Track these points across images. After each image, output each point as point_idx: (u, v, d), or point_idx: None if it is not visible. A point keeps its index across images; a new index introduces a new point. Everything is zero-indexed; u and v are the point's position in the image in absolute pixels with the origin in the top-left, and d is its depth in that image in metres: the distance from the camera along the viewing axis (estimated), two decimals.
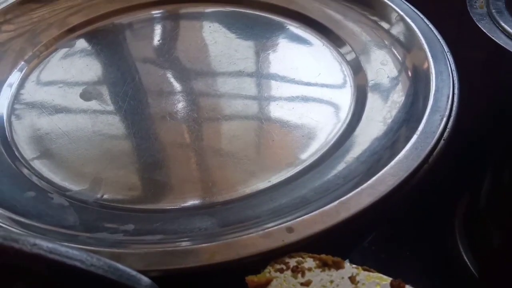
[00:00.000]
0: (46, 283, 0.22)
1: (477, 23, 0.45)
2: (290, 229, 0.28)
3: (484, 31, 0.44)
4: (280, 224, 0.29)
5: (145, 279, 0.25)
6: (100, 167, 0.37)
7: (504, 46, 0.42)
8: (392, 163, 0.32)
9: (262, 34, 0.49)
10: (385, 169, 0.32)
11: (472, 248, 0.54)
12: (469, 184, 0.57)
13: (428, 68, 0.40)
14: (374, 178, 0.31)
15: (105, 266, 0.23)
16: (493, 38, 0.43)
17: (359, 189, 0.31)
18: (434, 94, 0.38)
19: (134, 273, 0.24)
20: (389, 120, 0.38)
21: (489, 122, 0.52)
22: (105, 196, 0.35)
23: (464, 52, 0.54)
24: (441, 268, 0.56)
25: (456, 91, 0.40)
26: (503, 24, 0.44)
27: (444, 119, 0.36)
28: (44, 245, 0.21)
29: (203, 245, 0.28)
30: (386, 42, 0.45)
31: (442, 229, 0.59)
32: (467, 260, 0.54)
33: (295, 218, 0.29)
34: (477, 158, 0.54)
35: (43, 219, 0.33)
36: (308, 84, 0.44)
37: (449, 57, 0.41)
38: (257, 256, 0.28)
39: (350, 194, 0.30)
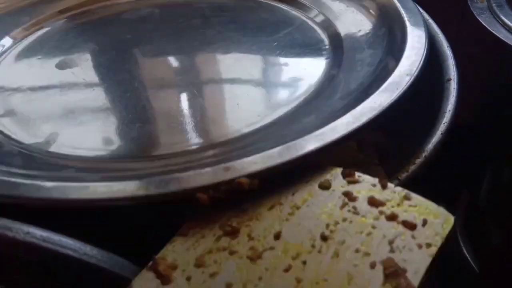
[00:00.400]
0: (40, 274, 0.22)
1: (477, 17, 0.44)
2: (227, 168, 0.28)
3: (485, 25, 0.44)
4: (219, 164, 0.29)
5: (140, 269, 0.25)
6: (60, 125, 0.38)
7: (505, 40, 0.42)
8: (347, 115, 0.32)
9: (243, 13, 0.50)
10: (337, 120, 0.32)
11: (473, 245, 0.54)
12: (469, 182, 0.57)
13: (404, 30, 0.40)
14: (324, 128, 0.31)
15: (99, 256, 0.23)
16: (493, 32, 0.43)
17: (307, 136, 0.31)
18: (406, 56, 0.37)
19: (127, 263, 0.24)
20: (357, 82, 0.38)
21: (489, 118, 0.52)
22: (57, 150, 0.35)
23: (465, 46, 0.54)
24: (441, 263, 0.56)
25: (455, 86, 0.40)
26: (503, 18, 0.44)
27: (411, 79, 0.35)
28: (38, 233, 0.21)
29: (133, 181, 0.28)
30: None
31: None
32: (467, 255, 0.53)
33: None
34: (478, 155, 0.54)
35: None
36: (285, 51, 0.44)
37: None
38: (188, 191, 0.28)
39: (297, 140, 0.30)
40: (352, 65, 0.41)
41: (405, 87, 0.35)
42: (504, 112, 0.48)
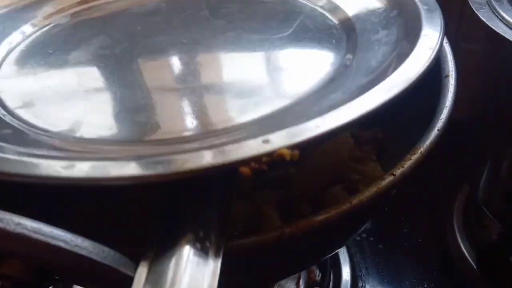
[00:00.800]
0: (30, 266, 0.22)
1: (476, 12, 0.44)
2: (266, 141, 0.28)
3: (483, 20, 0.43)
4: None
5: (130, 262, 0.25)
6: (82, 112, 0.38)
7: (503, 35, 0.42)
8: (378, 86, 0.32)
9: None
10: (364, 94, 0.31)
11: (471, 240, 0.54)
12: (469, 177, 0.57)
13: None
14: (352, 102, 0.31)
15: (90, 247, 0.23)
16: (492, 27, 0.43)
17: (337, 110, 0.30)
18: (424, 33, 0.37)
19: (119, 255, 0.24)
20: (377, 60, 0.38)
21: (488, 113, 0.52)
22: (84, 136, 0.35)
23: (465, 41, 0.54)
24: (439, 259, 0.56)
25: (453, 82, 0.40)
26: (502, 13, 0.44)
27: (434, 52, 0.35)
28: (28, 224, 0.21)
29: (175, 156, 0.28)
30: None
31: (441, 220, 0.59)
32: (465, 251, 0.54)
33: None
34: (477, 149, 0.54)
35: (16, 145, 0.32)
36: (298, 37, 0.44)
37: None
38: (230, 164, 0.27)
39: (329, 113, 0.30)
40: (369, 45, 0.40)
41: (429, 60, 0.34)
42: (503, 107, 0.48)
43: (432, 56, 0.35)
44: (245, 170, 0.27)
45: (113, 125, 0.36)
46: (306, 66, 0.41)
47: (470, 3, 0.46)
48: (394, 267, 0.55)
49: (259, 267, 0.35)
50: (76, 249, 0.22)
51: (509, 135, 0.48)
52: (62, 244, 0.22)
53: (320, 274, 0.53)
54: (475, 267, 0.52)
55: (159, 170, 0.27)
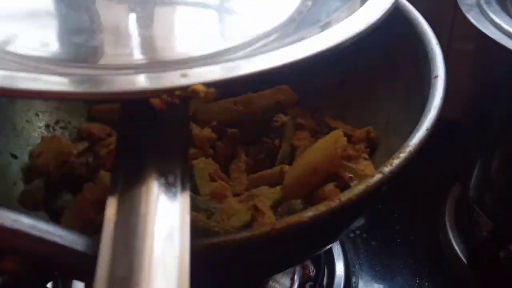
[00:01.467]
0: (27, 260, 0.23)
1: (465, 14, 0.45)
2: (184, 74, 0.27)
3: (473, 21, 0.44)
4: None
5: None
6: (22, 26, 0.37)
7: (491, 36, 0.42)
8: (310, 38, 0.31)
9: None
10: (300, 42, 0.31)
11: (462, 237, 0.55)
12: (460, 176, 0.58)
13: None
14: (287, 48, 0.30)
15: (85, 243, 0.24)
16: (480, 28, 0.43)
17: (262, 55, 0.30)
18: None
19: None
20: (328, 14, 0.38)
21: (479, 113, 0.52)
22: (17, 51, 0.34)
23: (458, 43, 0.55)
24: (431, 255, 0.57)
25: (442, 83, 0.40)
26: (491, 15, 0.44)
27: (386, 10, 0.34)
28: (25, 221, 0.22)
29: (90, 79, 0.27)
30: None
31: (433, 217, 0.59)
32: (456, 247, 0.55)
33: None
34: (468, 148, 0.55)
35: None
36: None
37: None
38: (144, 92, 0.27)
39: (255, 57, 0.29)
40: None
41: (373, 21, 0.33)
42: (491, 107, 0.49)
43: (378, 16, 0.33)
44: (156, 101, 0.26)
45: (48, 43, 0.36)
46: (260, 10, 0.40)
47: (459, 5, 0.46)
48: (387, 263, 0.56)
49: (252, 262, 0.36)
50: (72, 244, 0.23)
51: (498, 134, 0.49)
52: (58, 240, 0.23)
53: (314, 270, 0.54)
54: (466, 263, 0.53)
55: (62, 88, 0.26)
